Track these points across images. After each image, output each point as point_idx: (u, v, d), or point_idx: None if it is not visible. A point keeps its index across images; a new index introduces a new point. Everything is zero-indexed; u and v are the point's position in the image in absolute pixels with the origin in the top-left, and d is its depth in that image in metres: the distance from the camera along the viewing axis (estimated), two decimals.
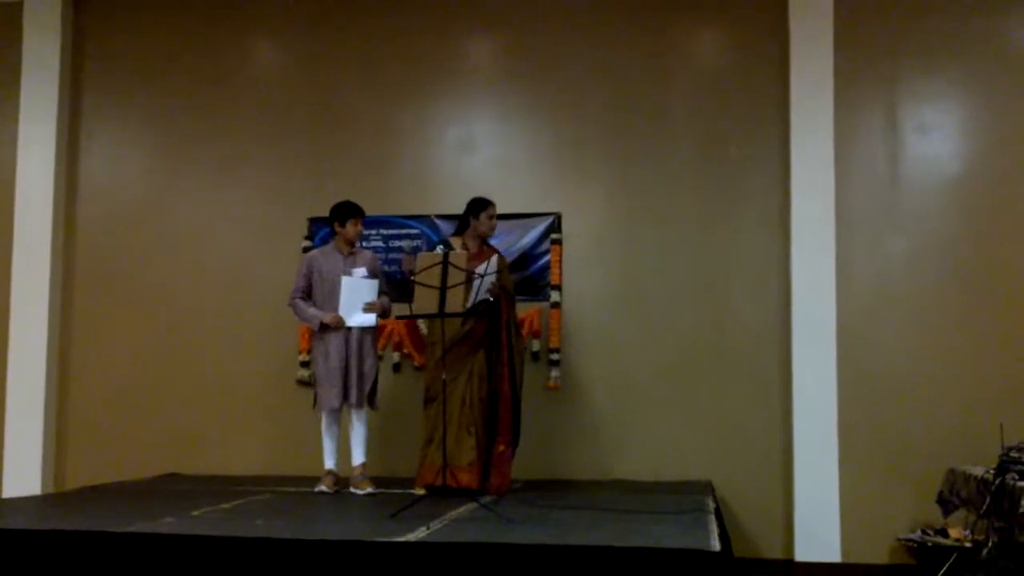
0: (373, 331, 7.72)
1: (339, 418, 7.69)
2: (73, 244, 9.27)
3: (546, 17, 8.92)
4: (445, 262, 6.58)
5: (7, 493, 8.67)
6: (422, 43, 9.03)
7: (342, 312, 7.51)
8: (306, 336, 8.74)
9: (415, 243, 8.68)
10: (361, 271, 7.65)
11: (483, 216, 7.63)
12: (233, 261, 9.10)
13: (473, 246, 7.57)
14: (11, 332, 9.05)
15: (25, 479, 8.82)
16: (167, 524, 5.80)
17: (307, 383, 8.74)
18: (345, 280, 7.53)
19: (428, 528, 5.60)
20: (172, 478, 8.55)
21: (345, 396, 7.53)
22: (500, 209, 8.08)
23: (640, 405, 8.53)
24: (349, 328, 7.56)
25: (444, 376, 7.01)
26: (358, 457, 7.63)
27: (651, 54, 8.79)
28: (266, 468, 8.73)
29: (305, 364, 8.78)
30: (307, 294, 7.71)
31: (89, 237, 9.28)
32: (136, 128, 9.41)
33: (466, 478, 7.18)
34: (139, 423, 9.02)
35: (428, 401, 7.49)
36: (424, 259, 6.75)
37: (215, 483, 8.08)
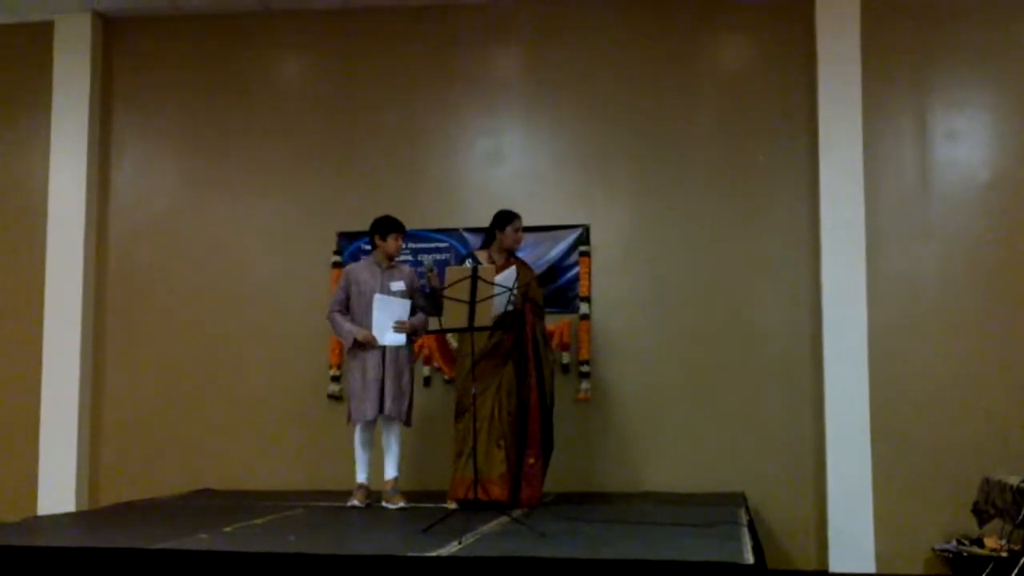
0: (409, 346, 7.69)
1: (373, 433, 7.67)
2: (105, 259, 9.33)
3: (571, 29, 8.93)
4: (474, 276, 6.58)
5: (42, 510, 8.71)
6: (449, 56, 9.06)
7: (375, 330, 7.48)
8: (337, 351, 8.77)
9: (435, 258, 8.67)
10: (399, 284, 7.61)
11: (508, 229, 7.60)
12: (263, 275, 9.13)
13: (499, 259, 7.54)
14: (45, 348, 9.10)
15: (60, 496, 8.86)
16: (200, 541, 5.80)
17: (338, 398, 8.77)
18: (377, 298, 7.51)
19: (460, 543, 5.59)
20: (204, 493, 8.57)
21: (381, 408, 7.49)
22: (528, 222, 8.10)
23: (671, 416, 8.50)
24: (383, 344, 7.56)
25: (474, 389, 6.97)
26: (390, 471, 7.60)
27: (678, 63, 8.79)
28: (298, 483, 8.75)
29: (336, 379, 8.80)
30: (345, 307, 7.67)
31: (120, 252, 9.34)
32: (165, 143, 9.46)
33: (496, 491, 7.15)
34: (171, 438, 9.06)
35: (459, 414, 7.47)
36: (453, 273, 6.75)
37: (247, 498, 8.09)
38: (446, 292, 6.65)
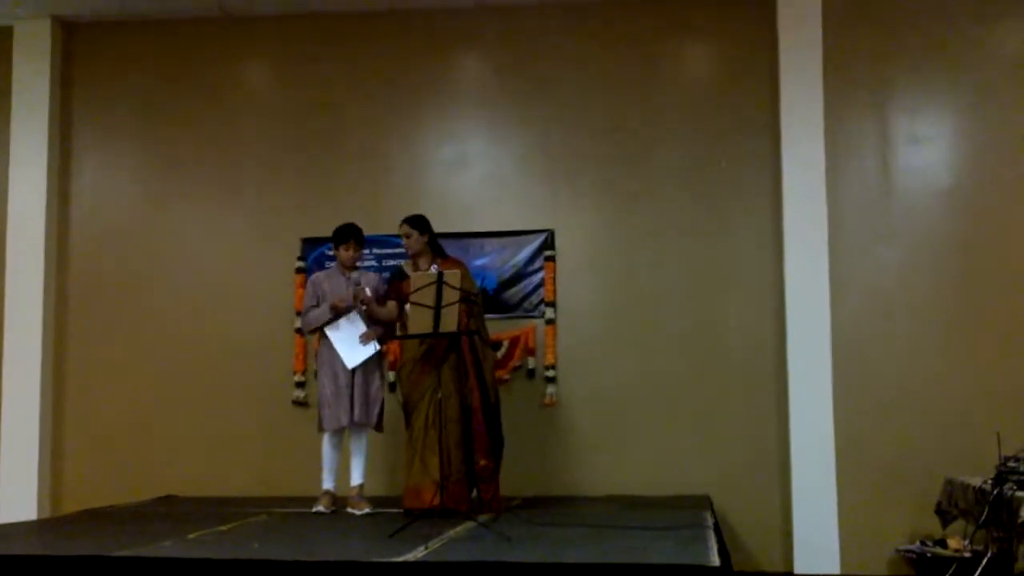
0: (377, 353, 7.64)
1: (341, 439, 7.65)
2: (66, 266, 9.24)
3: (535, 34, 8.94)
4: (440, 282, 6.59)
5: (3, 519, 8.60)
6: (413, 63, 9.05)
7: (345, 359, 7.46)
8: (301, 357, 8.75)
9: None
10: (364, 291, 7.54)
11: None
12: (226, 282, 9.08)
13: (423, 264, 7.46)
14: (5, 357, 9.02)
15: (21, 504, 8.76)
16: (165, 548, 5.77)
17: (303, 404, 8.75)
18: (331, 334, 7.51)
19: (427, 547, 5.58)
20: (168, 500, 8.51)
21: (351, 415, 7.48)
22: (493, 226, 8.34)
23: (637, 420, 8.52)
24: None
25: (400, 399, 7.21)
26: (356, 478, 7.59)
27: (641, 68, 8.82)
28: (262, 489, 8.68)
29: (301, 385, 8.78)
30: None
31: (81, 259, 9.26)
32: (126, 150, 9.39)
33: (427, 497, 6.99)
34: (134, 445, 8.99)
35: (406, 423, 7.47)
36: (418, 279, 6.77)
37: (211, 505, 8.04)
38: (412, 297, 6.66)
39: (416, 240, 7.48)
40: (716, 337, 8.52)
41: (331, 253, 8.59)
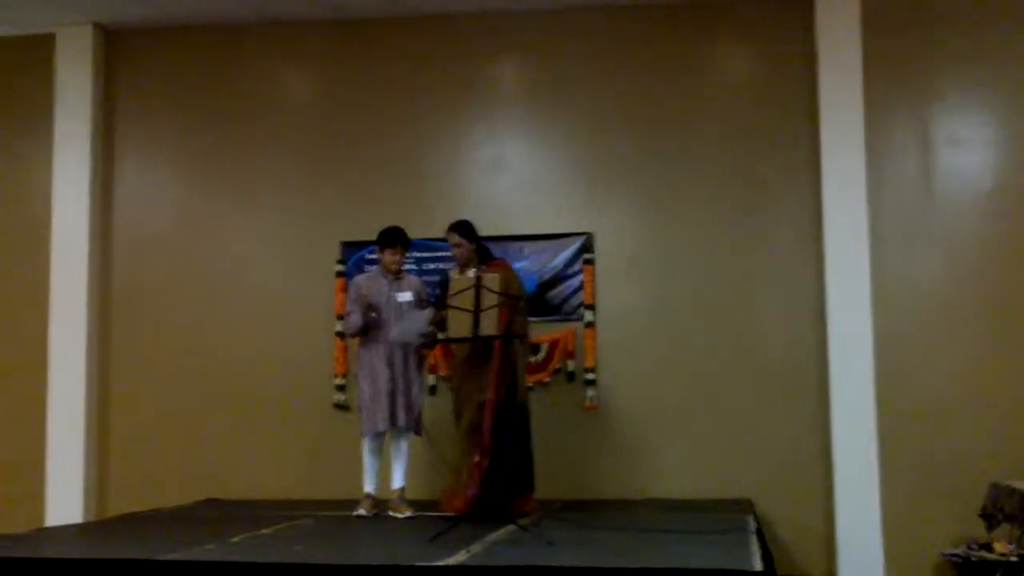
0: (418, 354, 7.66)
1: (382, 443, 7.63)
2: (109, 271, 9.32)
3: (574, 38, 8.93)
4: (478, 285, 6.60)
5: (50, 522, 8.71)
6: (451, 66, 9.06)
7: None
8: (341, 360, 8.78)
9: (437, 267, 8.63)
10: (406, 295, 7.56)
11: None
12: (267, 286, 9.12)
13: (470, 271, 7.34)
14: (50, 362, 9.10)
15: (67, 507, 8.84)
16: (208, 551, 5.80)
17: (344, 407, 8.77)
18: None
19: (468, 551, 5.58)
20: (211, 503, 8.56)
21: (392, 420, 7.46)
22: (531, 230, 8.37)
23: (678, 423, 8.50)
24: (392, 350, 7.47)
25: (453, 404, 7.13)
26: (398, 481, 7.58)
27: (680, 72, 8.79)
28: (304, 492, 8.73)
29: (341, 388, 8.80)
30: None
31: (124, 264, 9.33)
32: (168, 154, 9.46)
33: (458, 504, 7.05)
34: (178, 449, 9.05)
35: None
36: (457, 283, 6.78)
37: (254, 508, 8.08)
38: (450, 301, 6.68)
39: (467, 249, 7.47)
40: (757, 341, 8.48)
41: (371, 257, 8.64)
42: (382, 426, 7.46)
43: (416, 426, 7.61)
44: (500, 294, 6.70)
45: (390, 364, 7.50)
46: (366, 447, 7.60)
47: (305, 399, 8.91)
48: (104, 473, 9.13)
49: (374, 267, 7.96)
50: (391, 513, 7.45)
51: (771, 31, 8.71)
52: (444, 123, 9.05)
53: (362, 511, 7.49)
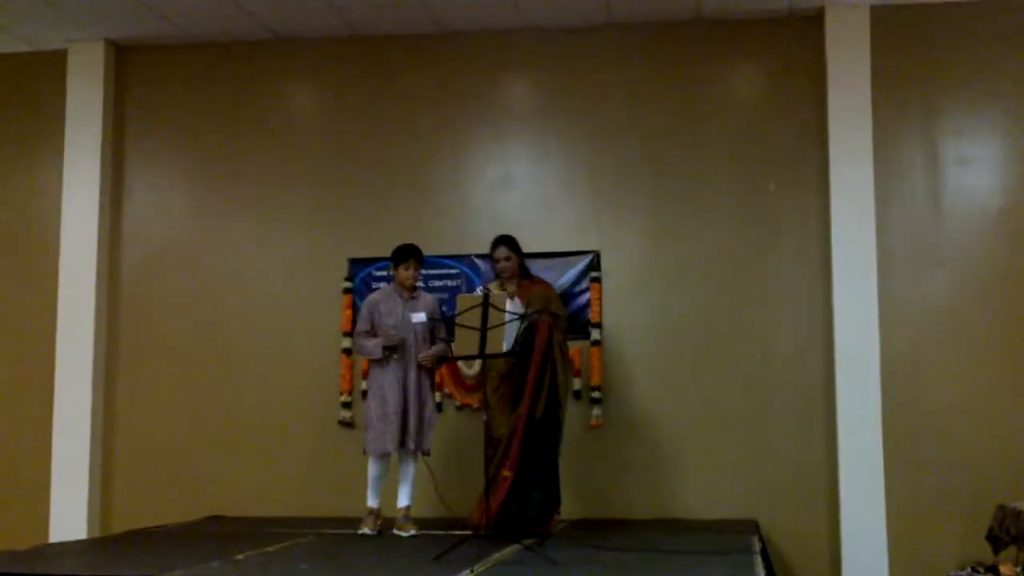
0: (431, 374, 7.62)
1: (388, 462, 7.56)
2: (117, 286, 9.33)
3: (582, 56, 8.94)
4: (486, 303, 6.60)
5: (54, 538, 8.71)
6: (460, 84, 9.08)
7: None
8: (348, 377, 8.78)
9: (446, 284, 8.64)
10: (420, 316, 7.49)
11: (493, 259, 7.57)
12: (274, 303, 9.13)
13: (511, 286, 7.48)
14: (57, 375, 9.11)
15: (72, 523, 8.85)
16: (212, 568, 5.80)
17: (349, 424, 8.78)
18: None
19: (472, 571, 5.58)
20: (215, 520, 8.56)
21: (402, 442, 7.39)
22: (539, 248, 8.31)
23: (683, 442, 8.48)
24: (406, 370, 7.42)
25: (485, 417, 7.00)
26: (403, 500, 7.52)
27: (688, 89, 8.80)
28: (308, 509, 8.72)
29: (347, 405, 8.80)
30: (370, 336, 7.55)
31: (133, 279, 9.35)
32: (177, 170, 9.48)
33: (477, 515, 7.09)
34: (183, 465, 9.05)
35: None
36: (464, 301, 6.78)
37: (258, 525, 8.08)
38: (457, 320, 6.67)
39: (514, 263, 7.48)
40: (763, 360, 8.47)
41: (379, 274, 8.67)
42: (391, 447, 7.39)
43: (428, 448, 7.54)
44: (513, 314, 6.71)
45: (403, 385, 7.42)
46: (372, 464, 7.53)
47: (310, 416, 8.92)
48: (109, 489, 9.13)
49: (387, 284, 7.91)
50: (396, 532, 7.42)
51: (780, 49, 8.72)
52: (452, 140, 9.07)
53: (366, 530, 7.45)
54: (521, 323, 6.95)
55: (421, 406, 7.48)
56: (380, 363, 7.49)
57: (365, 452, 7.56)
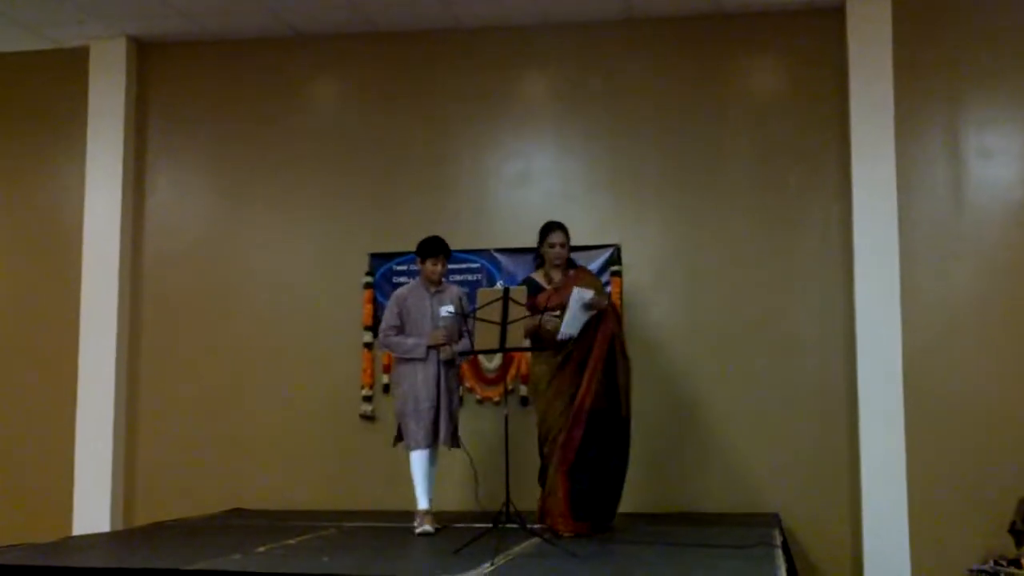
0: (457, 369, 7.53)
1: (428, 456, 7.33)
2: (140, 282, 9.38)
3: (601, 51, 8.94)
4: (505, 298, 6.60)
5: (77, 530, 8.77)
6: (479, 80, 9.08)
7: (567, 325, 6.97)
8: (368, 371, 8.81)
9: (467, 279, 8.64)
10: (448, 308, 7.32)
11: (545, 244, 7.34)
12: (295, 298, 9.16)
13: (557, 276, 7.29)
14: (80, 371, 9.17)
15: (95, 516, 8.91)
16: (234, 561, 5.83)
17: (370, 418, 8.80)
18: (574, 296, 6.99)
19: (492, 564, 5.59)
20: (237, 513, 8.60)
21: (435, 437, 7.27)
22: None
23: (705, 436, 8.48)
24: (438, 366, 7.28)
25: (539, 417, 6.98)
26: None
27: (708, 83, 8.78)
28: (329, 503, 8.75)
29: (368, 399, 8.83)
30: (399, 332, 7.42)
31: (155, 275, 9.39)
32: (199, 167, 9.52)
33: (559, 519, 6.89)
34: (205, 459, 9.09)
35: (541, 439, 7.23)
36: (484, 295, 6.78)
37: (280, 518, 8.12)
38: (479, 313, 6.68)
39: (567, 250, 7.32)
40: (785, 353, 8.44)
41: (399, 268, 8.71)
42: (427, 441, 7.25)
43: (456, 439, 7.43)
44: (525, 305, 6.69)
45: (436, 381, 7.30)
46: (414, 463, 7.30)
47: (332, 410, 8.94)
48: (131, 482, 9.19)
49: (413, 280, 7.80)
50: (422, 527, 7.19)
51: (801, 42, 8.68)
52: (472, 135, 9.08)
53: (427, 527, 7.14)
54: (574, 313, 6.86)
55: (451, 401, 7.38)
56: (409, 360, 7.39)
57: (396, 444, 7.47)
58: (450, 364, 7.42)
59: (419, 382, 7.30)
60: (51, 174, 9.60)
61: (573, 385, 6.98)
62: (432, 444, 7.30)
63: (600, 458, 6.97)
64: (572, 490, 6.87)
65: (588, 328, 7.00)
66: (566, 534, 6.75)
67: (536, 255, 7.51)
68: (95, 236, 9.29)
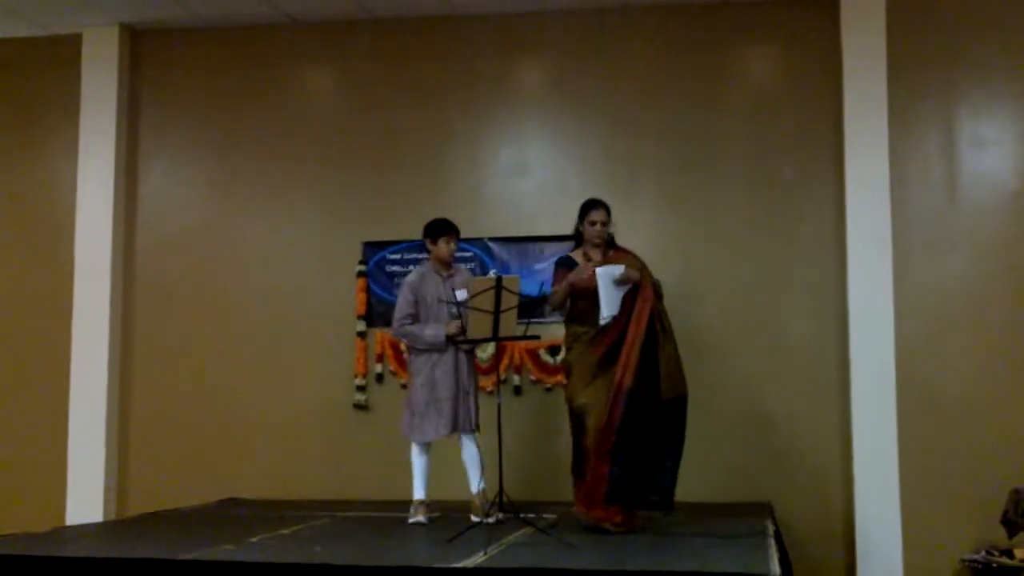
0: (472, 354, 7.39)
1: (430, 447, 7.31)
2: (132, 270, 9.37)
3: (597, 40, 8.91)
4: (499, 287, 6.60)
5: (70, 520, 8.76)
6: (474, 68, 9.06)
7: (606, 306, 6.67)
8: (362, 361, 8.81)
9: (465, 267, 8.64)
10: (463, 293, 7.07)
11: (586, 222, 7.00)
12: (288, 286, 9.14)
13: (596, 255, 7.00)
14: (72, 360, 9.16)
15: (88, 506, 8.91)
16: (227, 551, 5.84)
17: (364, 407, 8.80)
18: (600, 273, 6.75)
19: (485, 553, 5.59)
20: (231, 503, 8.59)
21: (454, 426, 7.15)
22: (552, 232, 8.28)
23: (698, 426, 8.37)
24: (456, 353, 7.19)
25: (574, 404, 6.69)
26: (477, 483, 7.17)
27: (703, 75, 8.77)
28: (323, 492, 8.75)
29: (362, 388, 8.82)
30: (414, 320, 7.29)
31: (148, 263, 9.38)
32: (192, 156, 9.49)
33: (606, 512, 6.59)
34: (198, 449, 9.08)
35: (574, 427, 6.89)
36: (478, 284, 6.77)
37: (273, 508, 8.11)
38: (472, 302, 6.66)
39: (608, 228, 7.06)
40: (778, 344, 8.45)
41: (393, 257, 8.69)
42: (443, 431, 7.14)
43: (477, 424, 7.28)
44: (520, 295, 6.67)
45: (455, 370, 7.20)
46: (414, 452, 7.28)
47: (325, 399, 8.94)
48: (124, 472, 9.18)
49: (421, 265, 7.65)
50: (473, 517, 6.99)
51: (795, 33, 8.67)
52: (467, 124, 9.06)
53: (420, 518, 7.12)
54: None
55: (469, 387, 7.26)
56: (425, 351, 7.25)
57: (406, 434, 7.32)
58: (468, 351, 7.33)
59: (437, 373, 7.19)
60: (43, 162, 9.57)
61: (609, 367, 6.65)
62: (449, 434, 7.20)
63: (639, 440, 6.59)
64: (608, 474, 6.52)
65: (624, 304, 6.72)
66: (605, 524, 6.50)
67: (575, 233, 7.18)
68: (87, 224, 9.27)
